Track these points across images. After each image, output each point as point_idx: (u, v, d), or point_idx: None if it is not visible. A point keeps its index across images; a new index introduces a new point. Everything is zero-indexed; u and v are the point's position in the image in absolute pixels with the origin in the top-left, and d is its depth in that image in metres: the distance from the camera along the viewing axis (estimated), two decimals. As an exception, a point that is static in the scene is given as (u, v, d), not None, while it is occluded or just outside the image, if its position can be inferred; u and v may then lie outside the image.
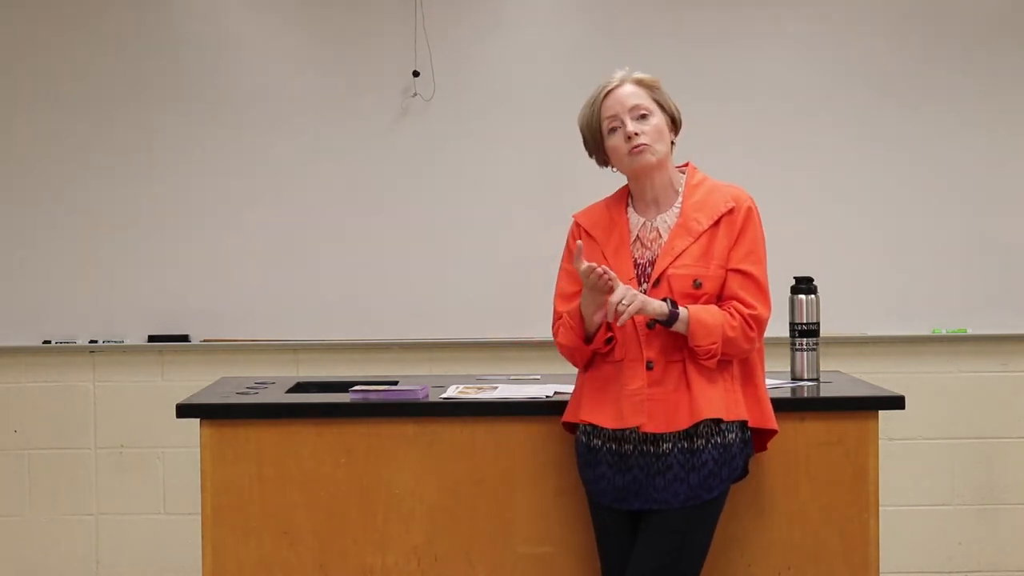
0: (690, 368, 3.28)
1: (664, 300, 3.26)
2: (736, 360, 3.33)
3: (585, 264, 3.24)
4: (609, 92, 3.38)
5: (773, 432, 3.42)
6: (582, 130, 3.44)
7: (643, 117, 3.35)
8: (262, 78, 5.53)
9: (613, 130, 3.36)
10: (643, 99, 3.37)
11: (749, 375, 3.37)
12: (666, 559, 3.30)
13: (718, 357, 3.26)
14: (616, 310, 3.19)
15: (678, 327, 3.26)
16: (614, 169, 3.44)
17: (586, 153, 3.47)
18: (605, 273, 3.22)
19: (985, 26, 5.50)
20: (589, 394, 3.39)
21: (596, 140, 3.41)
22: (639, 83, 3.39)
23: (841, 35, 5.51)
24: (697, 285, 3.30)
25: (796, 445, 3.59)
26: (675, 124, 3.42)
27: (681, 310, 3.26)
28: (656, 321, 3.27)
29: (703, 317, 3.26)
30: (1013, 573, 5.49)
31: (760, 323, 3.32)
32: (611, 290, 3.23)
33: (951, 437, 5.48)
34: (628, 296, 3.20)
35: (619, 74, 3.41)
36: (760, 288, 3.33)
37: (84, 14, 5.50)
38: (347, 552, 3.63)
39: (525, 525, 3.62)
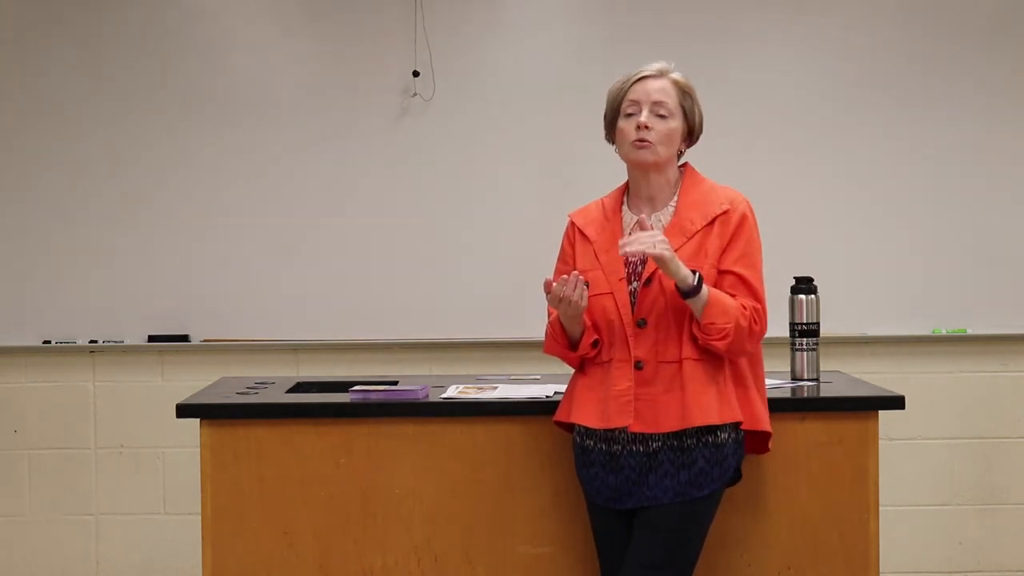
0: (687, 370, 3.26)
1: (693, 272, 3.21)
2: (729, 361, 3.32)
3: (549, 301, 3.27)
4: (643, 79, 3.38)
5: (769, 434, 3.41)
6: (607, 100, 3.43)
7: (661, 116, 3.35)
8: (262, 78, 5.53)
9: (630, 115, 3.36)
10: (670, 98, 3.36)
11: (740, 376, 3.34)
12: (658, 557, 3.29)
13: (730, 339, 3.21)
14: (647, 243, 3.18)
15: (696, 302, 3.21)
16: (616, 150, 3.44)
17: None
18: (575, 284, 3.23)
19: (985, 26, 5.50)
20: (579, 394, 3.39)
21: (612, 116, 3.41)
22: (675, 83, 3.39)
23: (841, 35, 5.51)
24: None
25: (796, 445, 3.59)
26: (691, 135, 3.41)
27: (704, 288, 3.21)
28: (677, 289, 3.22)
29: (721, 297, 3.23)
30: (1013, 573, 5.49)
31: (762, 320, 3.29)
32: (581, 304, 3.25)
33: (951, 437, 5.48)
34: (662, 242, 3.18)
35: (659, 65, 3.40)
36: (755, 292, 3.29)
37: (86, 16, 5.50)
38: (347, 552, 3.63)
39: (525, 525, 3.62)
